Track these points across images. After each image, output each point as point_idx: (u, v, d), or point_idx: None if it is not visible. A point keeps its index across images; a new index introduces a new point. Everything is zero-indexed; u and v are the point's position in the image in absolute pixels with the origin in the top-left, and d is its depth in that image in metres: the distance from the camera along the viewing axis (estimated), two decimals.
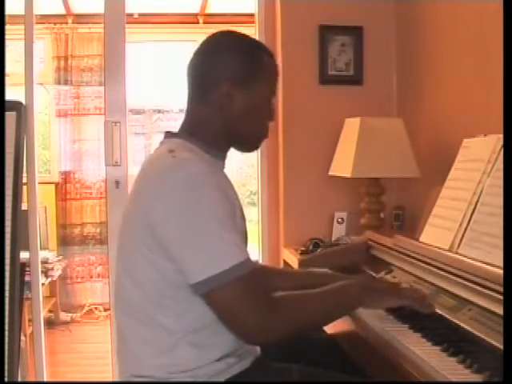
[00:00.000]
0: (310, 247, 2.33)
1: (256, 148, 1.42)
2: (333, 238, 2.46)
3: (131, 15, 4.14)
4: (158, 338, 1.22)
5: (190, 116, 1.35)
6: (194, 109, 1.35)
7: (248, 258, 1.18)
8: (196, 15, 4.78)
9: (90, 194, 4.76)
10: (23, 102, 2.43)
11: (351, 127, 2.27)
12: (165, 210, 1.17)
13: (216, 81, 1.29)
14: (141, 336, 1.24)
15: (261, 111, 1.34)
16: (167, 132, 1.38)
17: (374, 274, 1.72)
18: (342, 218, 2.53)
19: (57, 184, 4.74)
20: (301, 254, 2.31)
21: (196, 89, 1.34)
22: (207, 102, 1.31)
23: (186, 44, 5.09)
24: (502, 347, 1.03)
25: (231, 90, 1.29)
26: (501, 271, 1.15)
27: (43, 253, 3.76)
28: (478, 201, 1.43)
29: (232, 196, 1.29)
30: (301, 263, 2.11)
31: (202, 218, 1.16)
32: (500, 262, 1.19)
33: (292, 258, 2.34)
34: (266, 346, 1.34)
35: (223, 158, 1.37)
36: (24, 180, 2.41)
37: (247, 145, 1.40)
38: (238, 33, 1.37)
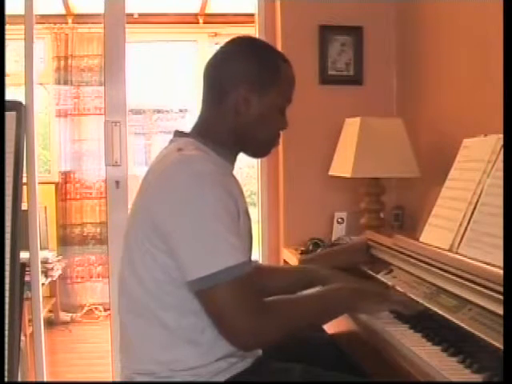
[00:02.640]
0: (310, 247, 2.33)
1: (266, 154, 1.43)
2: (333, 238, 2.46)
3: (131, 15, 4.14)
4: (160, 335, 1.23)
5: (204, 118, 1.36)
6: (209, 111, 1.35)
7: (245, 261, 1.17)
8: (196, 15, 4.78)
9: (90, 194, 4.76)
10: (23, 102, 2.43)
11: (351, 127, 2.26)
12: (168, 206, 1.17)
13: (233, 85, 1.30)
14: (143, 333, 1.25)
15: (275, 118, 1.36)
16: (177, 131, 1.38)
17: (373, 274, 1.72)
18: (342, 218, 2.53)
19: (57, 184, 4.74)
20: (301, 253, 2.31)
21: (212, 92, 1.34)
22: (223, 106, 1.32)
23: (186, 44, 5.10)
24: (502, 347, 1.03)
25: (248, 95, 1.30)
26: (501, 271, 1.15)
27: (43, 253, 3.75)
28: (477, 201, 1.43)
29: (237, 197, 1.28)
30: (301, 263, 2.11)
31: (203, 216, 1.16)
32: (500, 262, 1.19)
33: (292, 258, 2.34)
34: (255, 349, 1.32)
35: (233, 160, 1.38)
36: (24, 180, 2.41)
37: (258, 150, 1.41)
38: (257, 39, 1.41)
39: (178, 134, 1.37)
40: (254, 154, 1.42)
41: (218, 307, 1.16)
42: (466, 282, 1.28)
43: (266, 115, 1.33)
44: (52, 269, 4.14)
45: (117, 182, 2.56)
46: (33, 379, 2.61)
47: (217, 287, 1.14)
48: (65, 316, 4.45)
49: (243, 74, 1.31)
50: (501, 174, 1.36)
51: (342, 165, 2.27)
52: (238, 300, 1.15)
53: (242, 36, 1.42)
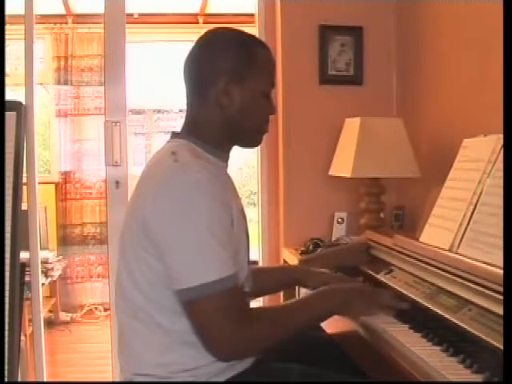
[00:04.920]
0: (310, 247, 2.33)
1: (258, 143, 1.41)
2: (333, 238, 2.46)
3: (131, 15, 4.14)
4: (158, 338, 1.22)
5: (191, 116, 1.35)
6: (194, 108, 1.35)
7: (231, 275, 1.17)
8: (196, 15, 4.77)
9: (90, 193, 4.76)
10: (23, 102, 2.43)
11: (351, 127, 2.26)
12: (161, 216, 1.17)
13: (212, 78, 1.29)
14: (142, 335, 1.24)
15: (260, 105, 1.33)
16: (173, 132, 1.38)
17: (373, 274, 1.72)
18: (342, 218, 2.53)
19: (57, 184, 4.74)
20: (301, 254, 2.31)
21: (193, 88, 1.34)
22: (205, 101, 1.31)
23: (186, 44, 5.09)
24: (502, 347, 1.03)
25: (228, 86, 1.29)
26: (501, 271, 1.15)
27: (43, 253, 3.76)
28: (477, 201, 1.43)
29: (231, 200, 1.27)
30: (301, 263, 2.10)
31: (195, 226, 1.16)
32: (500, 262, 1.19)
33: (292, 258, 2.34)
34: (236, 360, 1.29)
35: (226, 158, 1.37)
36: (24, 180, 2.41)
37: (249, 140, 1.39)
38: (231, 28, 1.37)
39: (173, 135, 1.37)
40: (246, 144, 1.39)
41: (200, 319, 1.16)
42: (466, 282, 1.28)
43: (250, 103, 1.31)
44: (52, 269, 4.14)
45: (117, 182, 2.56)
46: (33, 379, 2.61)
47: (201, 299, 1.14)
48: (65, 316, 4.45)
49: (220, 65, 1.29)
50: (501, 173, 1.36)
51: (342, 165, 2.27)
52: (220, 313, 1.15)
53: (213, 29, 1.38)
